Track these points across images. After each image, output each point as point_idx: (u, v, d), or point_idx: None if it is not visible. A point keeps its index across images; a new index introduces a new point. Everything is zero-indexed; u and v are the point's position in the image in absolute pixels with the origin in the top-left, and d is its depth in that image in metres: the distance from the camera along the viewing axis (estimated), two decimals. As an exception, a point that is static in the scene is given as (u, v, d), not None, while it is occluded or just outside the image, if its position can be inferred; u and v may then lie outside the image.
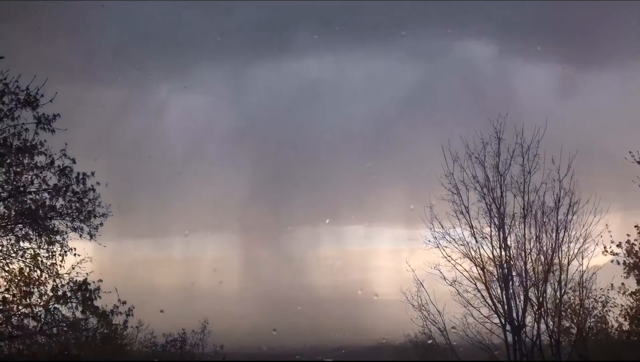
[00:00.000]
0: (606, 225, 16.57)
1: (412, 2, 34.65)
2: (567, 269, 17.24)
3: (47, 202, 16.46)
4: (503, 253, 17.60)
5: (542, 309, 17.27)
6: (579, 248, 17.05)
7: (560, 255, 17.25)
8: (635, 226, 16.02)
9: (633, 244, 15.93)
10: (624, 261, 15.93)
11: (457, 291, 17.75)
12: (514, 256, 17.63)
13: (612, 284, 16.50)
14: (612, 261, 16.13)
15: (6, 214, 16.10)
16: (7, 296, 16.02)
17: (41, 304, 16.33)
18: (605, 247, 16.23)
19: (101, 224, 17.24)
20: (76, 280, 16.62)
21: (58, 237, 16.61)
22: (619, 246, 16.02)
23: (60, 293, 16.42)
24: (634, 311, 15.93)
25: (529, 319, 17.44)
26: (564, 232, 17.25)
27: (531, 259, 17.47)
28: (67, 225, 16.77)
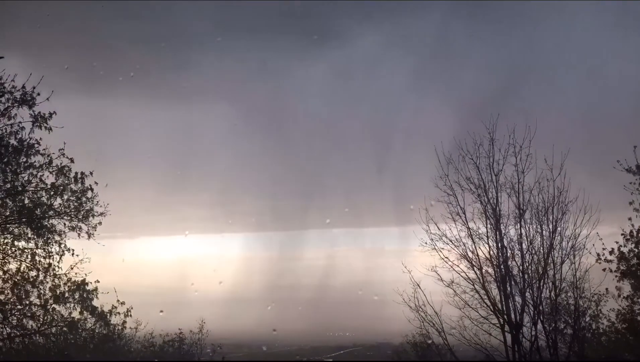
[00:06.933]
0: (597, 233, 16.62)
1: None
2: (561, 268, 17.21)
3: (45, 201, 16.49)
4: (500, 254, 17.56)
5: (538, 310, 17.23)
6: (571, 246, 17.07)
7: (553, 255, 17.24)
8: (622, 234, 16.04)
9: (622, 251, 15.93)
10: (617, 266, 15.92)
11: (455, 291, 17.73)
12: (510, 256, 17.57)
13: (606, 289, 16.49)
14: (603, 270, 16.15)
15: (3, 213, 16.12)
16: (3, 296, 16.05)
17: (40, 304, 16.36)
18: (598, 255, 16.24)
19: (100, 223, 17.23)
20: (74, 280, 16.64)
21: (56, 237, 16.62)
22: (611, 252, 16.02)
23: (58, 293, 16.44)
24: (629, 314, 15.91)
25: (526, 319, 17.40)
26: (557, 231, 17.23)
27: (526, 260, 17.43)
28: (65, 224, 16.79)
